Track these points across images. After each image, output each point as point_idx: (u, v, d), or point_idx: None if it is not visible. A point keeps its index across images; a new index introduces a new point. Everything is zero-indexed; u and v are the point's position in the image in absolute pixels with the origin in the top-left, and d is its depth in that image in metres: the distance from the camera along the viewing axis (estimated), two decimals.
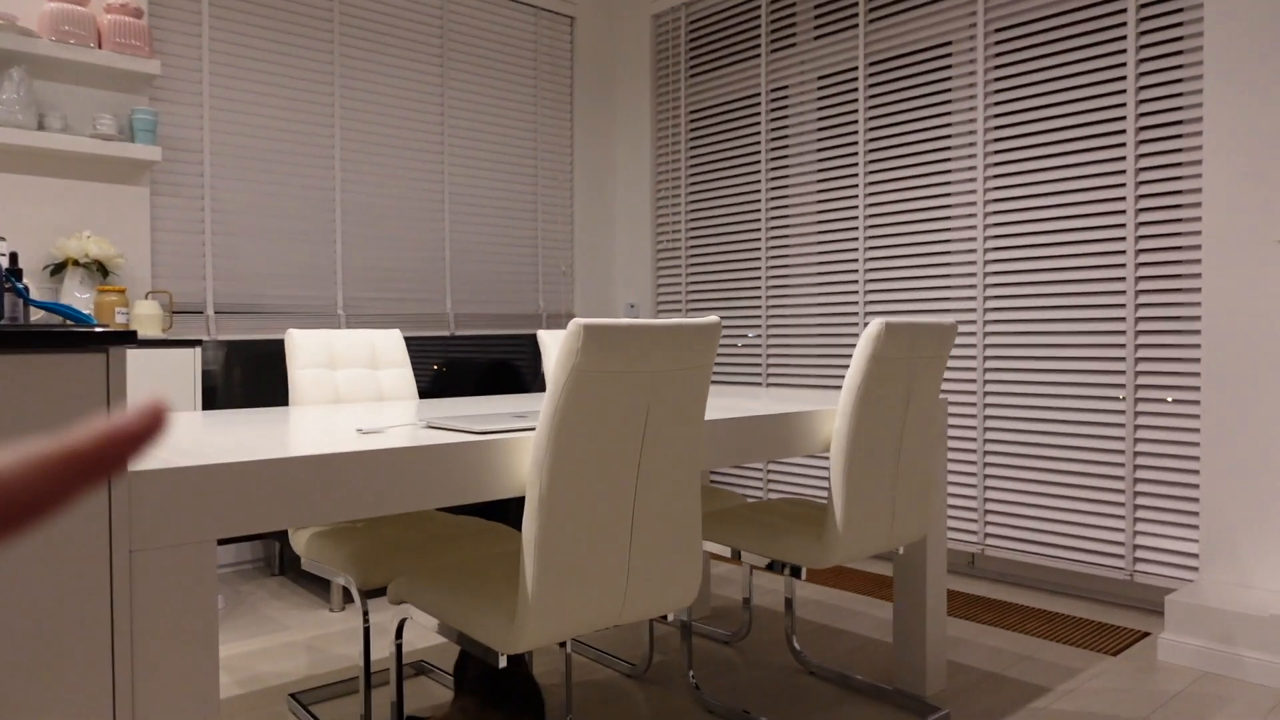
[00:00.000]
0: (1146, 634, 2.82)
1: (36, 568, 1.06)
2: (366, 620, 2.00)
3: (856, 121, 3.84)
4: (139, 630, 1.14)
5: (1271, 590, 2.65)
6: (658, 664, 2.60)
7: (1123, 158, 3.05)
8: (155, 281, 3.40)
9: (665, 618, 3.04)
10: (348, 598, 3.19)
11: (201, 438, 1.48)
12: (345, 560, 1.97)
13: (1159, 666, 2.55)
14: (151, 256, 3.40)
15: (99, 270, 3.12)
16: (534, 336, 4.52)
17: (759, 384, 4.26)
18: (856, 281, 3.85)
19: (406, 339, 4.09)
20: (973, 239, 3.45)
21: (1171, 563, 2.96)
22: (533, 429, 1.58)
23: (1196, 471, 2.89)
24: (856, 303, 3.85)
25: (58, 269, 3.07)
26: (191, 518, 1.18)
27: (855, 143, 3.84)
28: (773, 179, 4.19)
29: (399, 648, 1.85)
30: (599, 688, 2.43)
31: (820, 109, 3.98)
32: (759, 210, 4.24)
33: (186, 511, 1.17)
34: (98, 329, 1.10)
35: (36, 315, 2.83)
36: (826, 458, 3.96)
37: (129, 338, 1.11)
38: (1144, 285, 3.01)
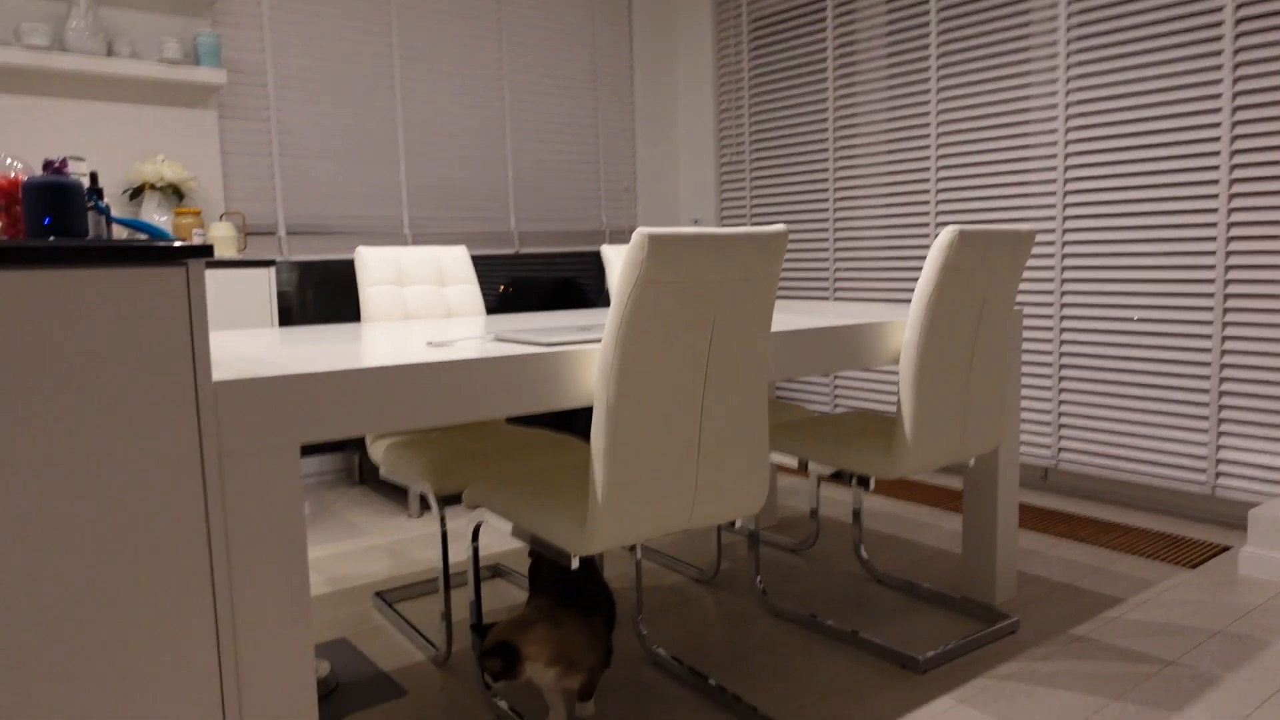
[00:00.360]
0: (1227, 548, 2.76)
1: (136, 474, 1.13)
2: (444, 525, 2.07)
3: (929, 23, 3.65)
4: (233, 529, 1.21)
5: None
6: (725, 570, 2.65)
7: (1219, 51, 2.85)
8: (228, 204, 3.48)
9: (733, 525, 3.09)
10: (424, 505, 3.31)
11: (280, 351, 1.53)
12: (422, 469, 2.04)
13: (1239, 580, 2.50)
14: (223, 179, 3.47)
15: (174, 193, 3.20)
16: (598, 254, 4.51)
17: (825, 298, 4.20)
18: (928, 191, 3.72)
19: (472, 257, 4.13)
20: (1053, 143, 3.29)
21: (1256, 477, 2.87)
22: (598, 341, 1.59)
23: None
24: (928, 213, 3.73)
25: (136, 193, 3.16)
26: (274, 424, 1.23)
27: (927, 45, 3.66)
28: (840, 85, 4.04)
29: (475, 550, 1.92)
30: (668, 591, 2.49)
31: (890, 9, 3.79)
32: (825, 119, 4.11)
33: (269, 418, 1.22)
34: (177, 243, 1.13)
35: (119, 234, 2.93)
36: (895, 373, 3.91)
37: (206, 251, 1.14)
38: (1238, 189, 2.84)
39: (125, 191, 3.21)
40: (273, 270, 3.12)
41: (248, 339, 1.80)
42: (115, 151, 3.21)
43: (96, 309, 1.09)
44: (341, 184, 3.78)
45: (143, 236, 2.69)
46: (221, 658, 1.21)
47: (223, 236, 3.21)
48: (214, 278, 3.02)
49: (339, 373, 1.28)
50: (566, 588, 1.76)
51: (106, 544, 1.12)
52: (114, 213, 3.10)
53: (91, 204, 1.43)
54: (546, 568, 1.86)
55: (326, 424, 1.28)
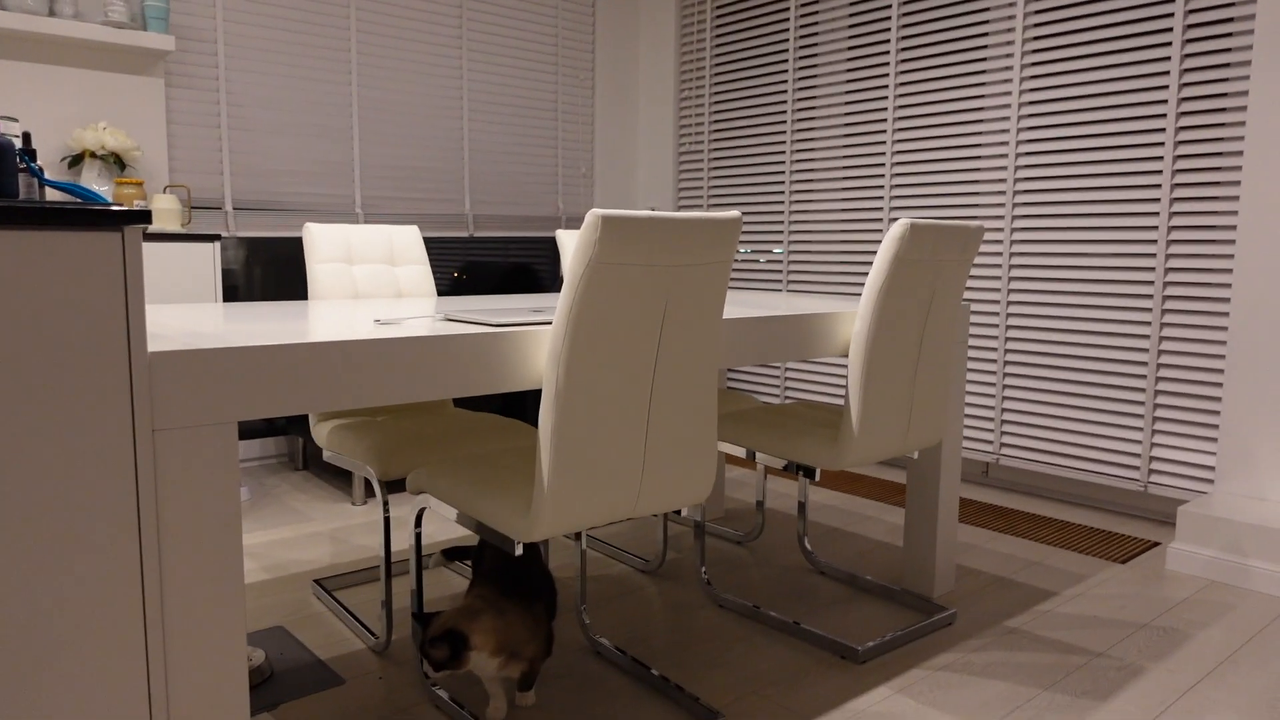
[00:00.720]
0: (1156, 544, 2.84)
1: (63, 448, 1.08)
2: (387, 510, 2.04)
3: (890, 19, 3.68)
4: (165, 509, 1.17)
5: None
6: (671, 561, 2.66)
7: (1167, 57, 2.93)
8: (173, 176, 3.38)
9: (680, 514, 3.10)
10: (369, 492, 3.26)
11: (221, 325, 1.49)
12: (365, 452, 2.00)
13: (1166, 575, 2.58)
14: (168, 150, 3.37)
15: (116, 163, 3.09)
16: (553, 239, 4.48)
17: (779, 289, 4.22)
18: (883, 184, 3.76)
19: (426, 240, 4.07)
20: (1005, 142, 3.34)
21: (1186, 475, 2.96)
22: (549, 323, 1.57)
23: (1219, 384, 2.86)
24: (882, 206, 3.78)
25: (75, 161, 3.05)
26: (211, 399, 1.19)
27: (888, 41, 3.70)
28: (801, 77, 4.06)
29: (418, 536, 1.89)
30: (613, 581, 2.49)
31: (852, 4, 3.82)
32: (785, 111, 4.13)
33: (206, 393, 1.19)
34: (113, 207, 1.09)
35: (53, 199, 2.82)
36: (844, 365, 3.96)
37: (143, 217, 1.10)
38: (1180, 193, 2.92)
39: (64, 159, 3.10)
40: (217, 246, 3.04)
41: (186, 313, 1.75)
42: (54, 117, 3.09)
43: (25, 274, 1.04)
44: (292, 160, 3.69)
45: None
46: (149, 643, 1.18)
47: (166, 209, 3.12)
48: (156, 252, 2.93)
49: (280, 347, 1.25)
50: (509, 576, 1.75)
51: (27, 523, 1.07)
52: (50, 178, 2.99)
53: (24, 165, 1.37)
54: (489, 555, 1.84)
55: (266, 401, 1.24)
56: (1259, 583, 2.47)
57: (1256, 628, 2.22)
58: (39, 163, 2.84)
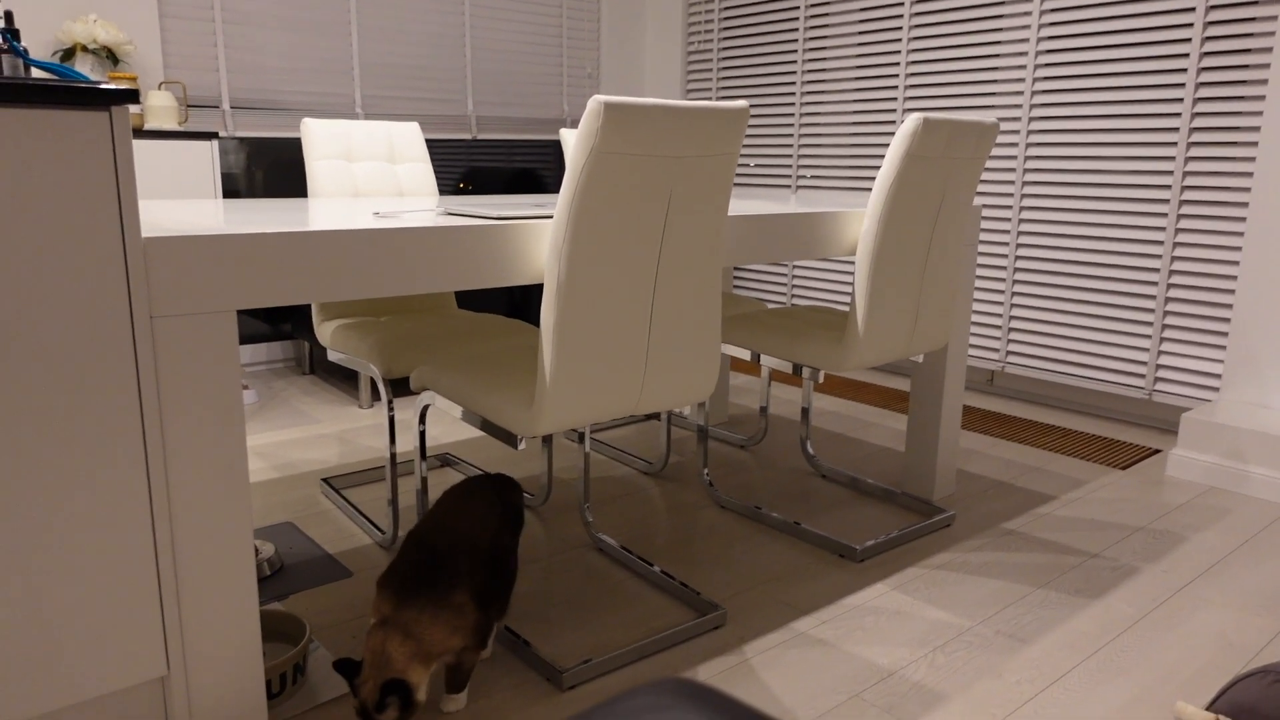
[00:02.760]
0: (1158, 451, 2.86)
1: (60, 335, 1.08)
2: (391, 407, 2.05)
3: None
4: (166, 395, 1.17)
5: None
6: (674, 464, 2.68)
7: None
8: (167, 73, 3.30)
9: (684, 415, 3.12)
10: (376, 395, 3.28)
11: (218, 217, 1.47)
12: (369, 350, 2.00)
13: (1166, 481, 2.60)
14: (162, 45, 3.27)
15: (109, 57, 3.01)
16: (558, 143, 4.39)
17: (789, 188, 4.15)
18: (897, 83, 3.65)
19: (428, 141, 3.99)
20: (1025, 39, 3.22)
21: (1192, 383, 2.95)
22: (550, 217, 1.54)
23: (1231, 291, 2.82)
24: (895, 106, 3.67)
25: (67, 55, 2.96)
26: (208, 286, 1.18)
27: None
28: None
29: (422, 434, 1.91)
30: (616, 482, 2.52)
31: None
32: (798, 4, 3.98)
33: (203, 280, 1.17)
34: (100, 85, 1.05)
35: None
36: (853, 268, 3.92)
37: (130, 96, 1.07)
38: (1204, 93, 2.82)
39: (55, 53, 3.02)
40: (215, 144, 2.98)
41: (183, 206, 1.72)
42: (43, 8, 3.00)
43: (11, 154, 1.02)
44: (290, 57, 3.59)
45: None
46: (156, 531, 1.20)
47: (161, 106, 3.05)
48: (153, 150, 2.87)
49: (277, 235, 1.23)
50: (412, 578, 1.43)
51: (26, 412, 1.07)
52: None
53: (7, 46, 1.32)
54: (394, 576, 1.47)
55: (264, 289, 1.23)
56: (1257, 488, 2.48)
57: (1252, 531, 2.25)
58: (23, 44, 2.76)
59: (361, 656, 1.39)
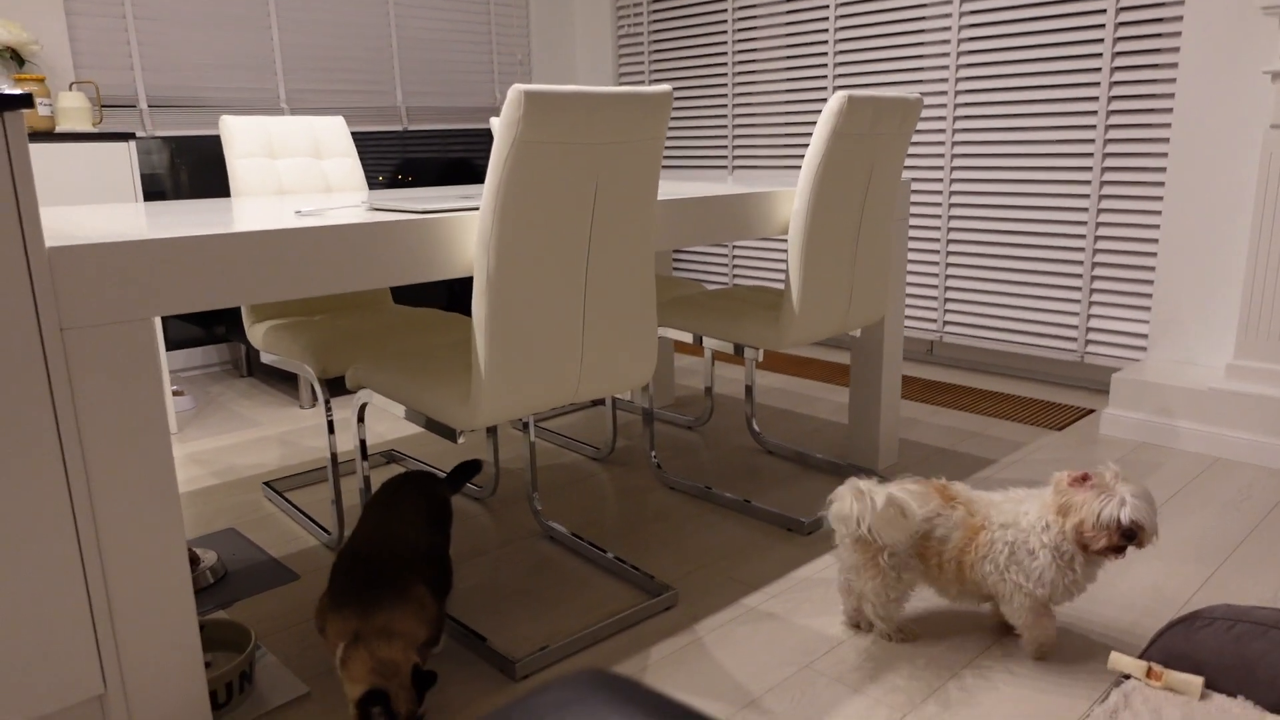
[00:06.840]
0: (1091, 411, 2.94)
1: None
2: (329, 408, 2.02)
3: None
4: (84, 411, 1.13)
5: (1212, 366, 2.75)
6: (621, 448, 2.69)
7: None
8: (78, 72, 3.18)
9: (630, 399, 3.12)
10: (316, 395, 3.23)
11: (133, 221, 1.42)
12: (303, 350, 1.96)
13: (1100, 439, 2.68)
14: (70, 44, 3.15)
15: (14, 59, 2.89)
16: (490, 131, 4.34)
17: (724, 169, 4.16)
18: (826, 60, 3.67)
19: (357, 134, 3.92)
20: (948, 14, 3.27)
21: (1121, 344, 3.04)
22: (477, 209, 1.53)
23: (1153, 254, 2.91)
24: (825, 85, 3.70)
25: None
26: (121, 295, 1.14)
27: None
28: None
29: (361, 432, 1.88)
30: (564, 469, 2.52)
31: None
32: None
33: (115, 288, 1.13)
34: None
35: None
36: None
37: (24, 101, 1.02)
38: (1120, 61, 2.89)
39: None
40: (133, 145, 2.88)
41: (97, 211, 1.66)
42: None
43: None
44: (208, 52, 3.48)
45: None
46: (83, 550, 1.16)
47: (73, 107, 2.93)
48: (66, 154, 2.77)
49: (190, 239, 1.19)
50: (363, 591, 1.41)
51: None
52: None
53: None
54: (346, 593, 1.43)
55: (181, 295, 1.20)
56: (1186, 442, 2.57)
57: (1183, 482, 2.33)
58: None
59: (369, 686, 1.29)
